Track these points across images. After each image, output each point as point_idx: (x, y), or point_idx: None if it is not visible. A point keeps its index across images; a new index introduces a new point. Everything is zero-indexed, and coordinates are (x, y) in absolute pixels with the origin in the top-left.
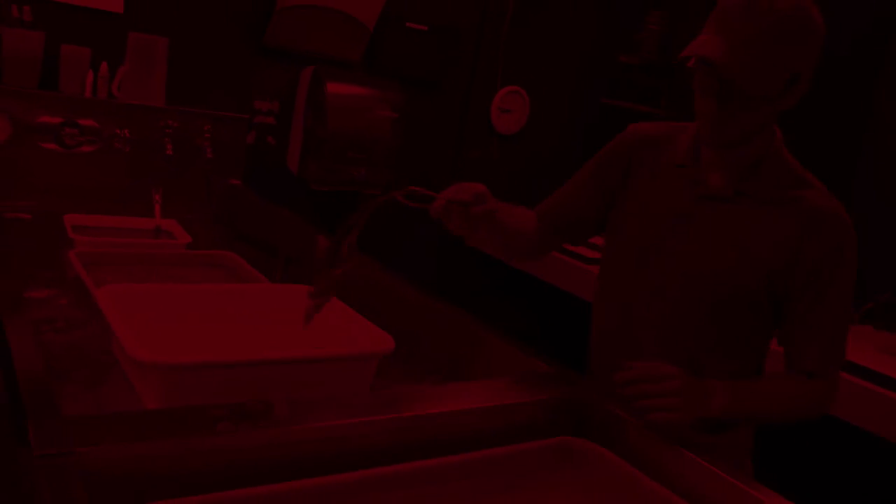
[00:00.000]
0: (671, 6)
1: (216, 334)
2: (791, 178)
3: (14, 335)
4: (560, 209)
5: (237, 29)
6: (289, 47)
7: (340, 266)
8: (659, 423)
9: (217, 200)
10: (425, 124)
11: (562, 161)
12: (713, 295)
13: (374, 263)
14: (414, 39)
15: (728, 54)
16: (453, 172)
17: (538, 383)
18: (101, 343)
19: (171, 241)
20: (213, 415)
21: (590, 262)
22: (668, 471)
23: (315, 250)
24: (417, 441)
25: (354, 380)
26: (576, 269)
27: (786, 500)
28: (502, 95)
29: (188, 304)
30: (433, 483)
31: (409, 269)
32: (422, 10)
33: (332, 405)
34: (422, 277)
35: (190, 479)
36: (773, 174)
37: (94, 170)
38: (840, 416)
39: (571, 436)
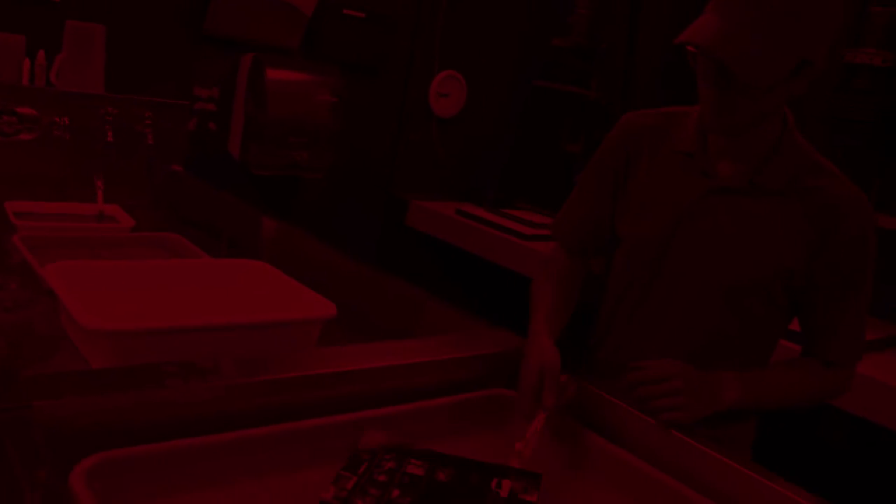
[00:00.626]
0: None
1: (163, 305)
2: (807, 165)
3: None
4: (582, 232)
5: (176, 16)
6: (228, 35)
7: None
8: (670, 422)
9: (160, 186)
10: (366, 109)
11: (498, 142)
12: (729, 292)
13: (314, 239)
14: (351, 26)
15: (725, 40)
16: (394, 155)
17: (475, 341)
18: (50, 321)
19: (114, 225)
20: (163, 371)
21: (528, 238)
22: (600, 420)
23: (260, 232)
24: (357, 393)
25: (298, 345)
26: (514, 245)
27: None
28: (440, 80)
29: (134, 279)
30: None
31: (349, 249)
32: None
33: (276, 361)
34: (363, 258)
35: (142, 430)
36: (787, 163)
37: (33, 158)
38: (841, 406)
39: (506, 389)
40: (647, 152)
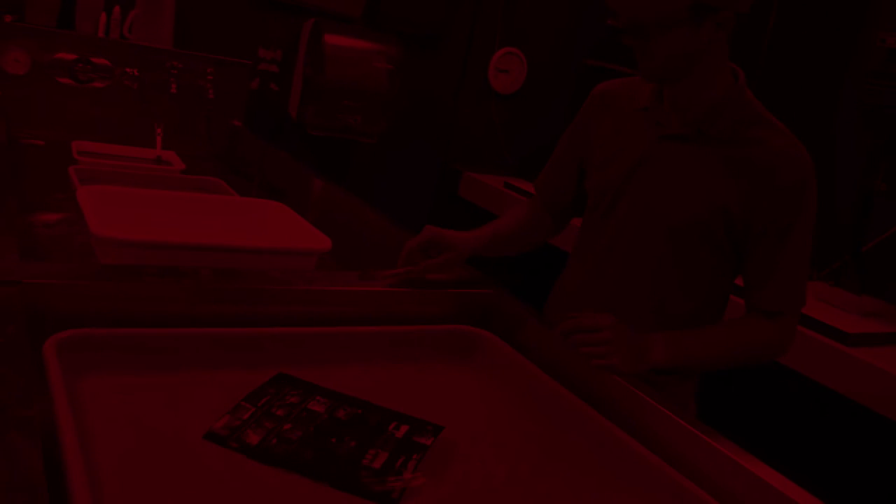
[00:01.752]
0: None
1: (175, 228)
2: (753, 118)
3: None
4: (551, 191)
5: None
6: (293, 0)
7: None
8: (601, 368)
9: (217, 138)
10: (425, 79)
11: (553, 119)
12: (670, 231)
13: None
14: None
15: None
16: (450, 126)
17: (452, 280)
18: (85, 237)
19: (165, 167)
20: (144, 271)
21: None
22: (562, 368)
23: (308, 189)
24: (326, 313)
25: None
26: None
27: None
28: (500, 56)
29: (156, 205)
30: (335, 348)
31: (400, 215)
32: None
33: (251, 276)
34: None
35: (118, 317)
36: (733, 114)
37: (103, 104)
38: (785, 364)
39: (475, 327)
40: (612, 115)
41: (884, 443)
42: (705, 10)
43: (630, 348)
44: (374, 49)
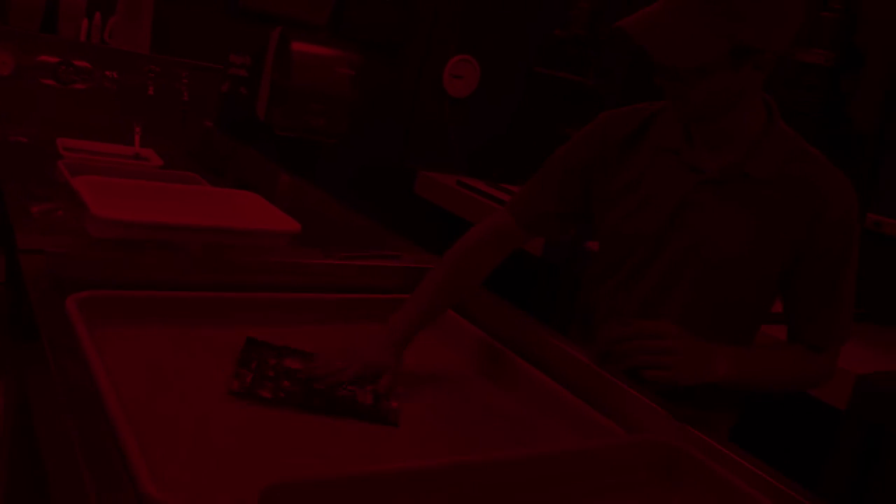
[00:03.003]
0: None
1: (162, 212)
2: (793, 152)
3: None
4: (539, 210)
5: None
6: (262, 9)
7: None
8: (654, 381)
9: (191, 137)
10: (384, 85)
11: (503, 123)
12: (722, 276)
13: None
14: (375, 8)
15: (651, 24)
16: (407, 128)
17: (407, 259)
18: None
19: (145, 163)
20: (146, 244)
21: None
22: (506, 334)
23: (275, 183)
24: (293, 282)
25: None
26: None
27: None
28: (454, 63)
29: (142, 193)
30: (301, 311)
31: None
32: None
33: (235, 251)
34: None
35: (126, 282)
36: (773, 150)
37: (85, 105)
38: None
39: None
40: (626, 150)
41: (797, 411)
42: (746, 53)
43: (695, 359)
44: (338, 56)
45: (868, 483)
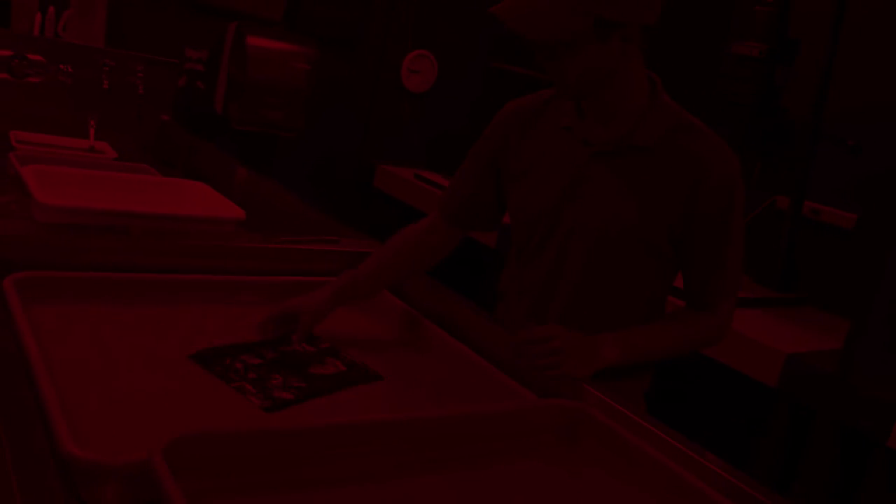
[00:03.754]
0: None
1: (108, 200)
2: (676, 124)
3: None
4: (464, 207)
5: None
6: (217, 4)
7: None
8: (555, 378)
9: (147, 131)
10: (342, 79)
11: (461, 116)
12: (614, 246)
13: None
14: (331, 3)
15: (517, 5)
16: (366, 123)
17: (345, 243)
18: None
19: (99, 155)
20: (89, 229)
21: None
22: (436, 310)
23: (231, 178)
24: (232, 266)
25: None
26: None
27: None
28: (412, 58)
29: (91, 181)
30: (233, 293)
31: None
32: None
33: (175, 235)
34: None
35: (68, 264)
36: (658, 122)
37: (39, 98)
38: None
39: None
40: (532, 133)
41: (735, 391)
42: (609, 26)
43: (582, 352)
44: (294, 50)
45: (795, 459)
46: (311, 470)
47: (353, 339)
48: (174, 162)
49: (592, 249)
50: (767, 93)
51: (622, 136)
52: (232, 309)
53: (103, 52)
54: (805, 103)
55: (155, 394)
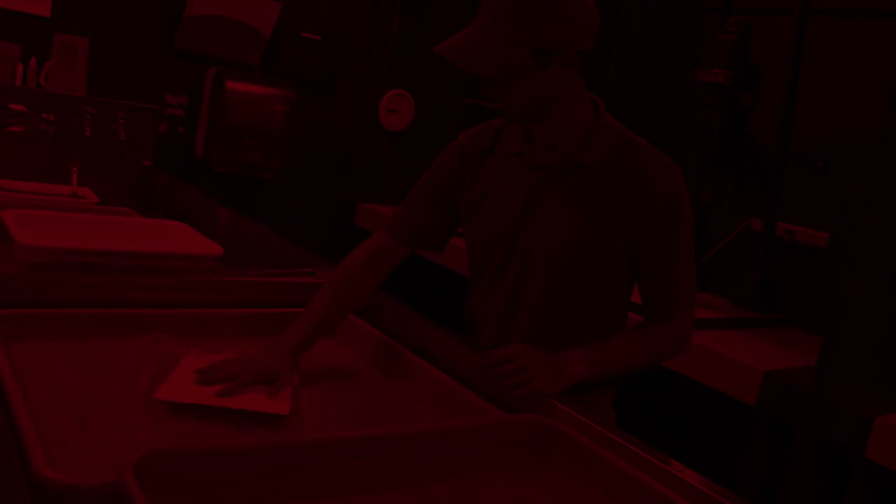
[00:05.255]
0: None
1: (88, 241)
2: (621, 142)
3: None
4: (413, 228)
5: (151, 33)
6: (196, 51)
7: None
8: (525, 395)
9: (129, 176)
10: (321, 121)
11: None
12: (570, 264)
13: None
14: (308, 47)
15: (458, 43)
16: (345, 163)
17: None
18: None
19: (81, 201)
20: (68, 266)
21: (457, 235)
22: (406, 334)
23: (214, 219)
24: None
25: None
26: None
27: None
28: (389, 97)
29: (72, 224)
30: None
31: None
32: (316, 21)
33: (157, 269)
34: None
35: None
36: (602, 141)
37: (22, 147)
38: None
39: None
40: (479, 163)
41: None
42: (548, 54)
43: (548, 369)
44: (272, 94)
45: (778, 475)
46: (280, 485)
47: (326, 366)
48: (156, 206)
49: (551, 267)
50: (734, 117)
51: (568, 156)
52: (211, 341)
53: (85, 100)
54: (772, 127)
55: (128, 422)
